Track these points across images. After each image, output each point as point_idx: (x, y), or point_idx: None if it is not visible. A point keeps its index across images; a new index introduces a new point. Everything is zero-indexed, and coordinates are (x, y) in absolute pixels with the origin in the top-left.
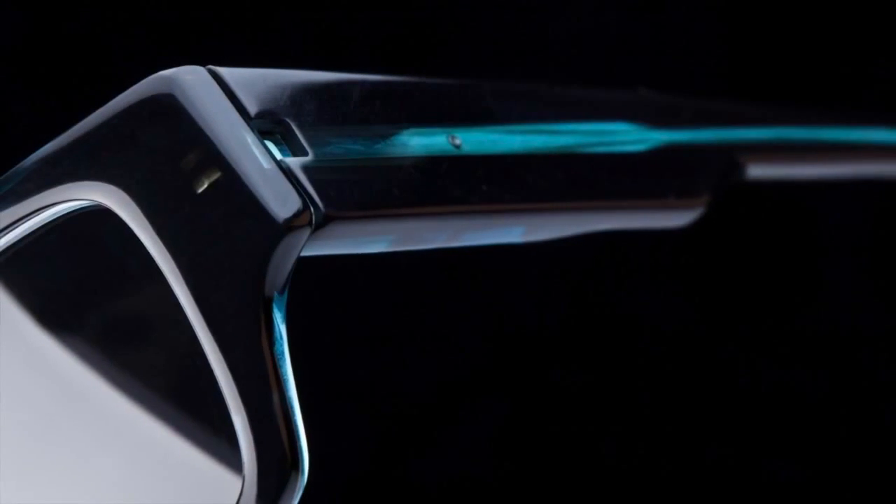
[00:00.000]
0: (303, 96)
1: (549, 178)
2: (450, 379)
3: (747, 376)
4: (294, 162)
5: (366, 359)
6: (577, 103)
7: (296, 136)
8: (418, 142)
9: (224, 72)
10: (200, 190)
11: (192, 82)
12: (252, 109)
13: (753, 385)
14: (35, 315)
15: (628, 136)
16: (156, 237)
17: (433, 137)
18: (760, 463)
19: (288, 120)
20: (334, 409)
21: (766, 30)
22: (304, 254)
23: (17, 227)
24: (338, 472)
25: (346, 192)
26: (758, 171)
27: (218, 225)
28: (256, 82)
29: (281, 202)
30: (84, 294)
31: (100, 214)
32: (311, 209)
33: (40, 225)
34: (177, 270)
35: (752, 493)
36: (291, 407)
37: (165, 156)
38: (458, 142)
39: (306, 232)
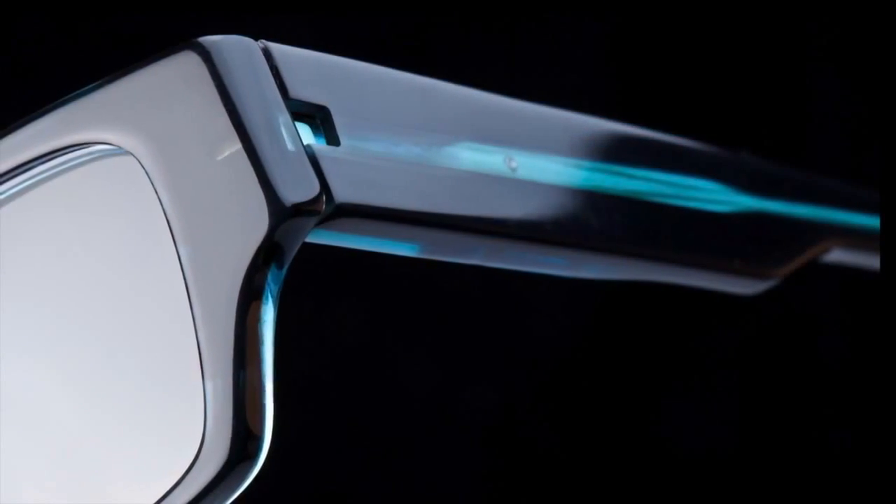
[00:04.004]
0: (352, 86)
1: (610, 219)
2: (446, 370)
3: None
4: (321, 148)
5: (367, 348)
6: (663, 153)
7: (332, 123)
8: (471, 157)
9: (274, 47)
10: (220, 158)
11: (235, 52)
12: (293, 89)
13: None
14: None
15: (713, 196)
16: (167, 195)
17: (490, 156)
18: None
19: (328, 106)
20: (330, 399)
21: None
22: (311, 241)
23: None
24: (337, 463)
25: (372, 188)
26: (841, 256)
27: (230, 197)
28: (306, 63)
29: (293, 185)
30: (86, 246)
31: (116, 167)
32: (324, 197)
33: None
34: (184, 236)
35: (744, 473)
36: (263, 383)
37: (195, 123)
38: (514, 165)
39: (313, 218)
